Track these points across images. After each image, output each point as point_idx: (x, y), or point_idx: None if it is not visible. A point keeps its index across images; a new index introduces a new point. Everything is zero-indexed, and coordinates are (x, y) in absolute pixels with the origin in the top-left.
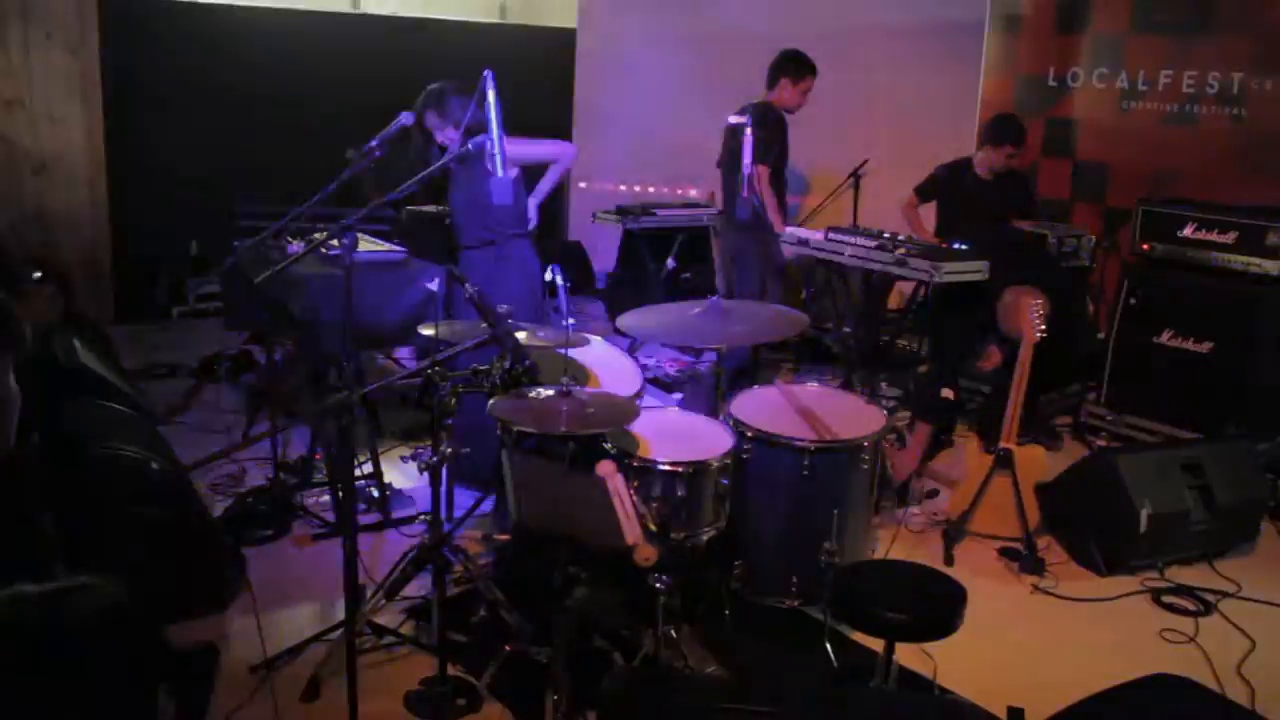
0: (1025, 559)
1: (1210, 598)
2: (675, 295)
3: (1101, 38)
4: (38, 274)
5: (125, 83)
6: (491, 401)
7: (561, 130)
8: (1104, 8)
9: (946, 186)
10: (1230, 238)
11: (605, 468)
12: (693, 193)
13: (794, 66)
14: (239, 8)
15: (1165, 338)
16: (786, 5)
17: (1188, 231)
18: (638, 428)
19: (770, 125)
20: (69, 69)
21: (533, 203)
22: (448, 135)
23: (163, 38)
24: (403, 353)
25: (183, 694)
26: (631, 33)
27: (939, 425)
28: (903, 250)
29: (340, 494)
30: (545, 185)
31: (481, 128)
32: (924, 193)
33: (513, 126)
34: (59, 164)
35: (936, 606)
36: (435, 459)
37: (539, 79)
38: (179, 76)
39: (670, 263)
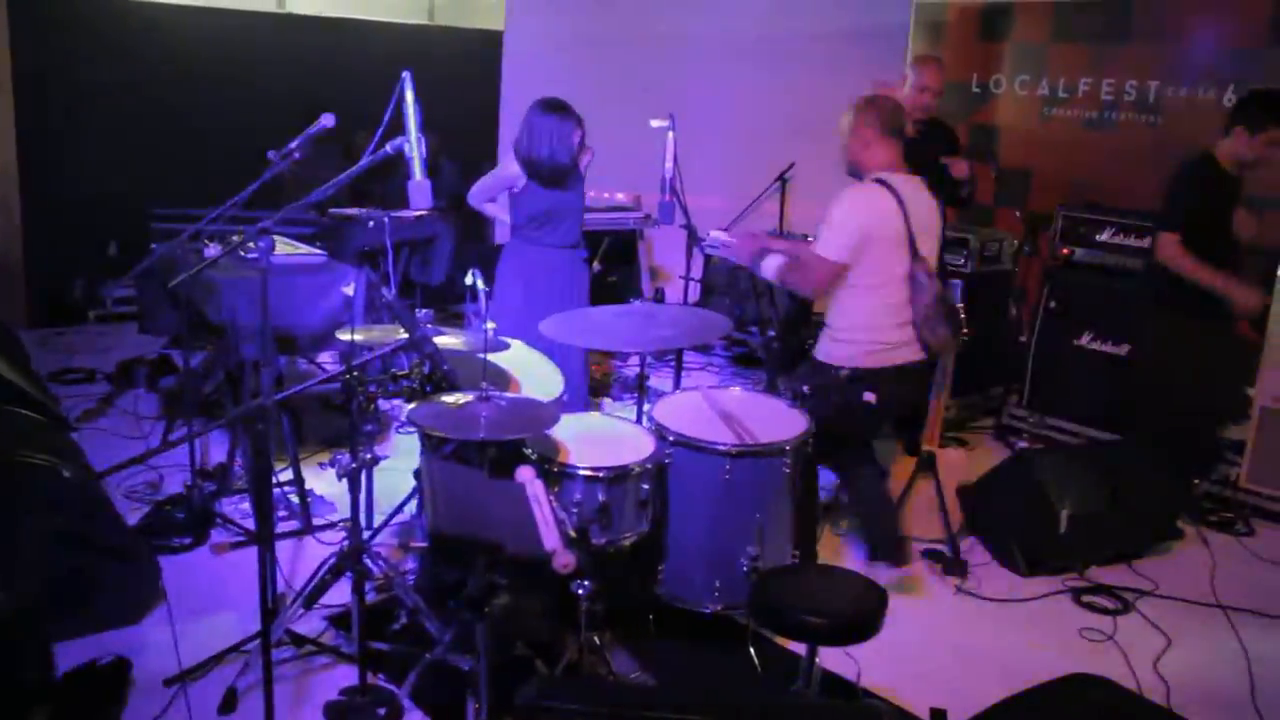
0: (948, 561)
1: (1128, 596)
2: (600, 299)
3: (1023, 46)
4: None
5: (38, 80)
6: (409, 407)
7: (487, 132)
8: (1025, 17)
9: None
10: (1147, 242)
11: (525, 473)
12: (619, 196)
13: (1254, 113)
14: (160, 4)
15: (1085, 340)
16: (712, 10)
17: (1106, 236)
18: (558, 433)
19: (1189, 180)
20: None
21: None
22: None
23: (78, 34)
24: (326, 357)
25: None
26: (559, 36)
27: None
28: None
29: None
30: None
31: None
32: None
33: (439, 128)
34: None
35: (858, 610)
36: (354, 465)
37: (466, 81)
38: (95, 74)
39: (595, 266)
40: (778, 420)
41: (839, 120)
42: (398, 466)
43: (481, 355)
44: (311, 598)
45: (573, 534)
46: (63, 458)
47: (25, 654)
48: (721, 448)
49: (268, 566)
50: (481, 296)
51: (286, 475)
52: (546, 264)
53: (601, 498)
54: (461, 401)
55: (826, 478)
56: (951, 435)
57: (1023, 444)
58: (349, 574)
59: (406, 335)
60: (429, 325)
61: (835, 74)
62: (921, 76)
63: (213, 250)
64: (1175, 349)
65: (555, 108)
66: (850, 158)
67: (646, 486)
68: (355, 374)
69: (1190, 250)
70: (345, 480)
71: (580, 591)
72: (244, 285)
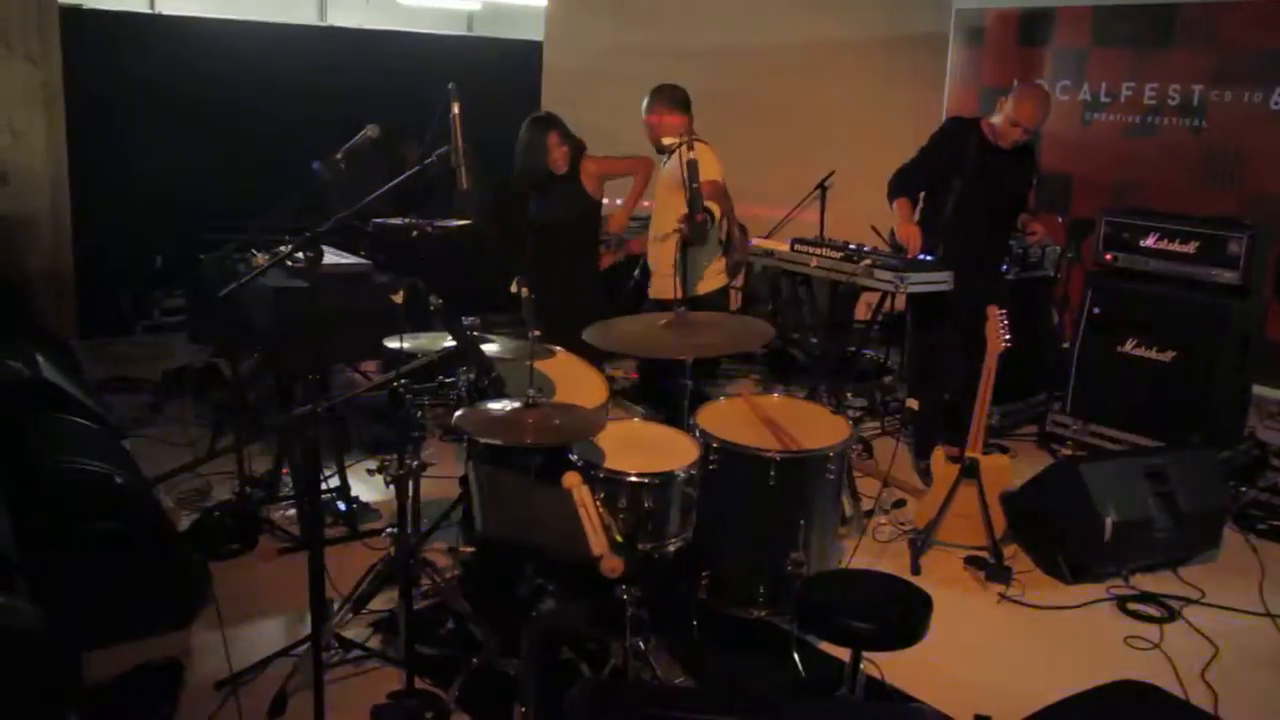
0: (992, 567)
1: (1175, 604)
2: (641, 307)
3: (1064, 51)
4: None
5: (89, 94)
6: (458, 413)
7: None
8: (1066, 22)
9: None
10: (1192, 248)
11: (571, 479)
12: None
13: None
14: (205, 19)
15: (1129, 347)
16: (751, 18)
17: (1150, 242)
18: (604, 439)
19: None
20: (30, 79)
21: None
22: None
23: (127, 49)
24: (372, 365)
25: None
26: (598, 45)
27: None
28: (868, 261)
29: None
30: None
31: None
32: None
33: (479, 138)
34: (20, 175)
35: (902, 615)
36: (401, 471)
37: (506, 91)
38: (144, 88)
39: (637, 275)
40: (821, 426)
41: (642, 103)
42: (444, 473)
43: (528, 362)
44: (360, 603)
45: (619, 539)
46: (115, 464)
47: (49, 668)
48: (766, 454)
49: (318, 571)
50: (526, 304)
51: (333, 482)
52: (554, 270)
53: (647, 504)
54: (508, 408)
55: (866, 487)
56: (994, 442)
57: (1066, 451)
58: (396, 579)
59: (453, 342)
60: (475, 332)
61: (876, 82)
62: (1018, 109)
63: (260, 259)
64: None
65: (533, 120)
66: (653, 134)
67: (691, 492)
68: (402, 381)
69: None
70: (392, 486)
71: (625, 596)
72: (291, 293)
